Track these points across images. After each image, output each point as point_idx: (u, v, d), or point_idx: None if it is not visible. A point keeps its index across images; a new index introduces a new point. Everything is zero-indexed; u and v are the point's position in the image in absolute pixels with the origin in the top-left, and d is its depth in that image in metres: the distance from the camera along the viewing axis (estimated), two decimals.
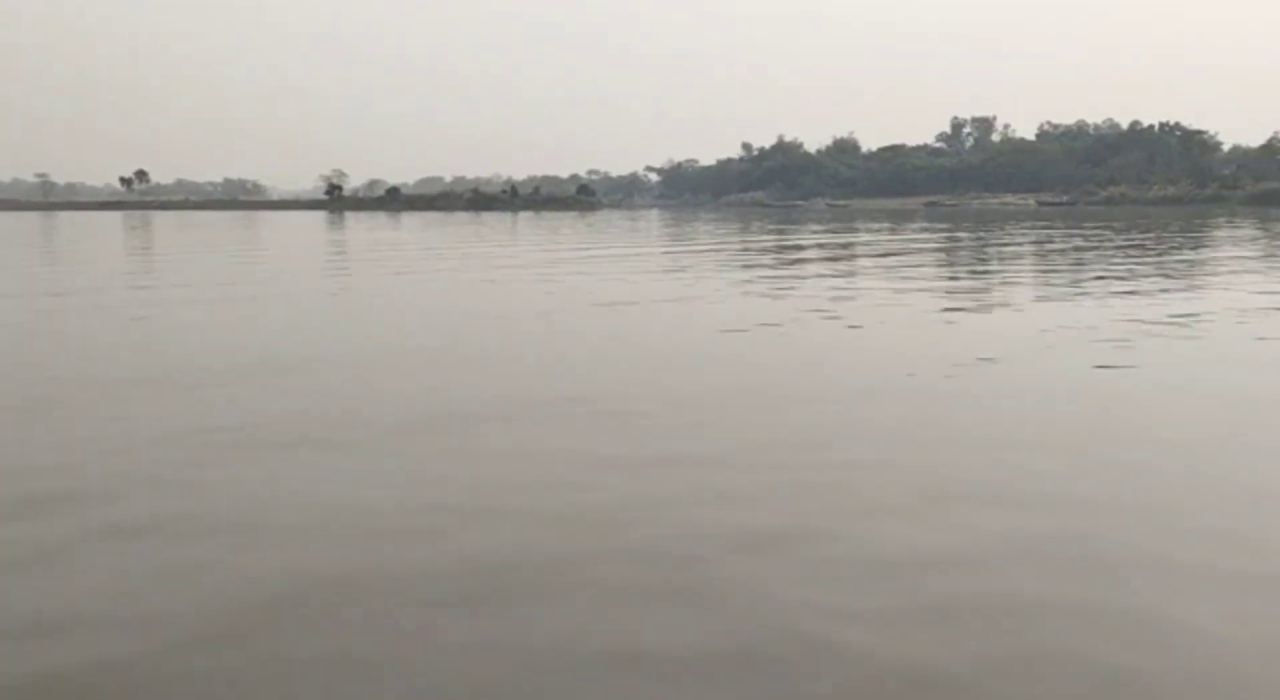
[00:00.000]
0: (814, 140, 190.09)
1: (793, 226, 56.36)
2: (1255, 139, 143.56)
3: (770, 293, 16.86)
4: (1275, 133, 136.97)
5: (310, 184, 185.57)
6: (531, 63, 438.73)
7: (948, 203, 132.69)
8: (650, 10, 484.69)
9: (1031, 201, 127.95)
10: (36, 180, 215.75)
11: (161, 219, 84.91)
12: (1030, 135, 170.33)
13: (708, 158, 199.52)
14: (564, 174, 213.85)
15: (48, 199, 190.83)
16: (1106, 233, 41.97)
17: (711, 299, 15.90)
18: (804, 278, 20.19)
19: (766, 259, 26.94)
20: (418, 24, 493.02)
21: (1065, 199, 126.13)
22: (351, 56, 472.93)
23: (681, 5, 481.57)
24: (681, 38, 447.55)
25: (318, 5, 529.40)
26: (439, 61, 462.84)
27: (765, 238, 41.72)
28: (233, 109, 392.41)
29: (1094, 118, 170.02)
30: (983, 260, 27.01)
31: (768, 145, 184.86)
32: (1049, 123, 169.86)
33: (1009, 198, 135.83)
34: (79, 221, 76.07)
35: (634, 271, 21.82)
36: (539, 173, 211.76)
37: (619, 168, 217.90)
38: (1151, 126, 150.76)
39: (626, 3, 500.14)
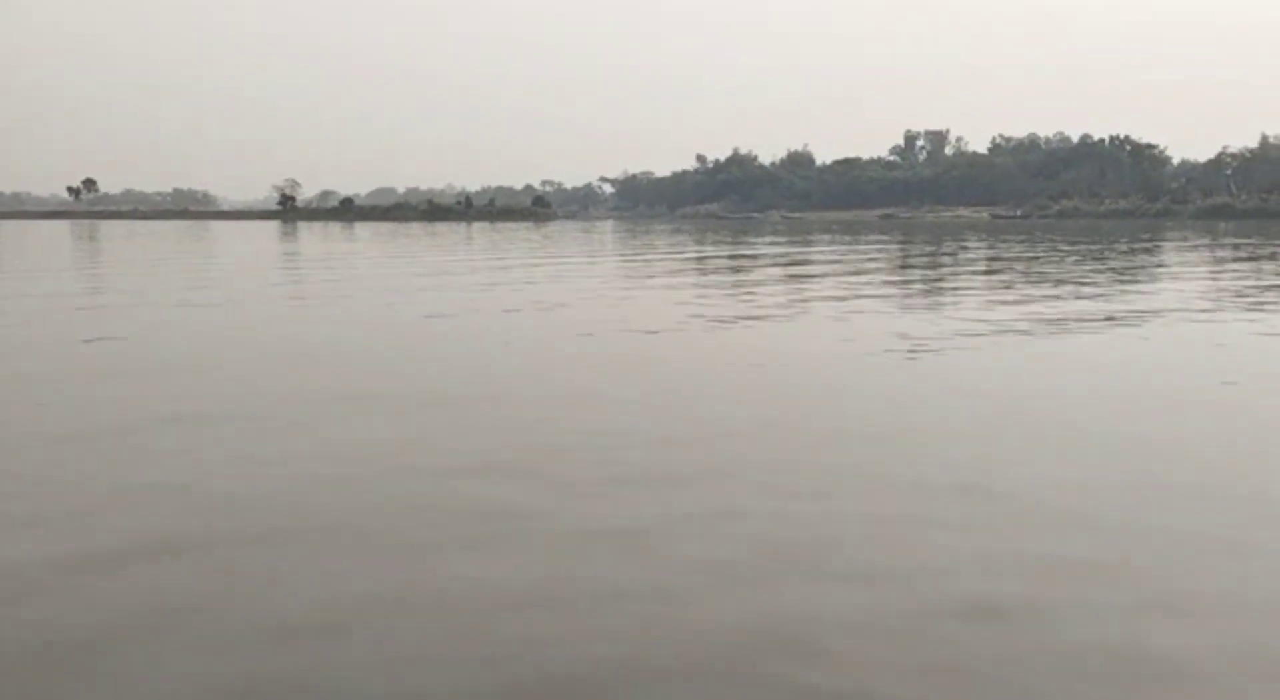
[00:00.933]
0: (769, 152, 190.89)
1: (750, 239, 56.19)
2: (1203, 153, 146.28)
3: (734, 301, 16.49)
4: (1223, 147, 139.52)
5: (262, 194, 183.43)
6: (486, 74, 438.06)
7: (902, 215, 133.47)
8: (604, 21, 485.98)
9: (985, 214, 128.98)
10: None
11: (109, 229, 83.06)
12: (983, 148, 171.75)
13: (663, 169, 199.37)
14: (518, 185, 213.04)
15: None
16: (1071, 252, 42.10)
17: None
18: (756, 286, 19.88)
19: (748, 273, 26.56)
20: (371, 35, 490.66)
21: (1018, 213, 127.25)
22: (305, 67, 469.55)
23: (635, 16, 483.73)
24: (636, 49, 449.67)
25: (270, 14, 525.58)
26: (392, 72, 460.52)
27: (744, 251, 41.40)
28: (183, 118, 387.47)
29: (1045, 131, 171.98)
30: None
31: (723, 157, 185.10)
32: (1001, 136, 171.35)
33: (962, 211, 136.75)
34: (24, 232, 74.20)
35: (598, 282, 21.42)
36: (493, 184, 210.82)
37: (574, 179, 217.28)
38: (1102, 140, 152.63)
39: (581, 13, 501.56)
